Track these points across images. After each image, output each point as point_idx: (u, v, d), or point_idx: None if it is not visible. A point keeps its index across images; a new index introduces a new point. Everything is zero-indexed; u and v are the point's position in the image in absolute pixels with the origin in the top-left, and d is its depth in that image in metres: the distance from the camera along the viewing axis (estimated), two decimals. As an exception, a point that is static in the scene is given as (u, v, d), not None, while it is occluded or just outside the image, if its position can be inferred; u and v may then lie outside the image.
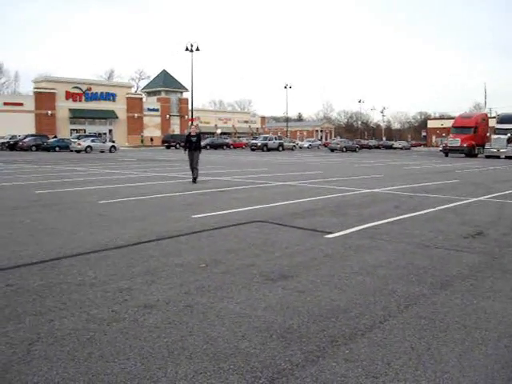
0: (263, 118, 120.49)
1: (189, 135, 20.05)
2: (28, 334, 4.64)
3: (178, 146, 73.42)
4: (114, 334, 4.68)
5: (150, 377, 3.84)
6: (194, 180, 19.38)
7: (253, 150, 67.98)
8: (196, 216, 11.27)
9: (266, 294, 5.81)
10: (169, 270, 6.87)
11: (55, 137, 65.03)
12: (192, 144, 19.57)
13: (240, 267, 6.98)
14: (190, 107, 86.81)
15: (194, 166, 19.51)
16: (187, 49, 67.85)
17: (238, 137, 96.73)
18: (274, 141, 70.28)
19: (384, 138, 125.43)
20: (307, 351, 4.27)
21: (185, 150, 20.06)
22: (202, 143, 74.10)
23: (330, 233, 9.40)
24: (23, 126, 70.98)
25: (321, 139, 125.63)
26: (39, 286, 6.06)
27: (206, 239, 8.87)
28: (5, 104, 74.45)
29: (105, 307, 5.39)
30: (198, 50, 67.99)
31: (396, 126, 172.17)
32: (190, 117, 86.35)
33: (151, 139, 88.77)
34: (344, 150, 72.61)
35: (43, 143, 59.59)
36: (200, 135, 20.19)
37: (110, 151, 56.73)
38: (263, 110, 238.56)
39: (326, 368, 3.98)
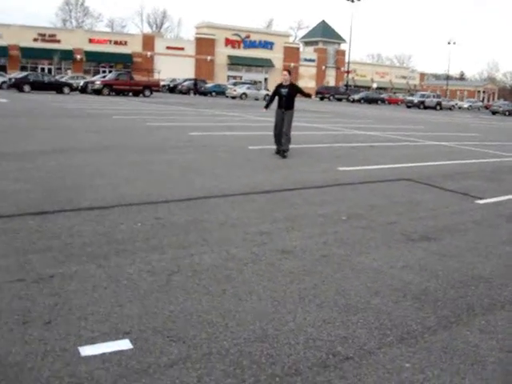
0: (422, 75, 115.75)
1: (279, 86, 12.78)
2: (169, 265, 4.89)
3: (331, 97, 72.88)
4: (250, 274, 4.81)
5: (278, 319, 3.91)
6: (281, 153, 12.57)
7: (408, 107, 65.73)
8: (343, 169, 11.18)
9: (404, 254, 5.66)
10: (310, 218, 6.90)
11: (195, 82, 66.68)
12: (282, 99, 12.59)
13: (382, 224, 6.84)
14: (346, 59, 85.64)
15: (281, 132, 12.54)
16: (348, -1, 66.42)
17: (394, 92, 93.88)
18: (432, 99, 67.37)
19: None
20: (441, 316, 4.12)
21: (267, 107, 13.39)
22: (356, 96, 73.45)
23: (481, 198, 8.91)
24: (183, 69, 73.85)
25: (482, 100, 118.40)
26: (184, 222, 6.36)
27: (351, 192, 8.78)
28: (167, 48, 77.69)
29: (244, 248, 5.54)
30: (358, 0, 66.29)
31: None
32: (346, 69, 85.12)
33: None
34: (506, 113, 68.02)
35: (200, 87, 61.66)
36: (297, 87, 12.95)
37: (264, 99, 57.50)
38: (423, 66, 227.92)
39: (458, 336, 3.82)
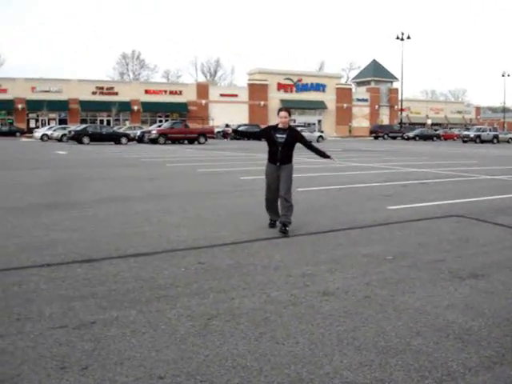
0: (478, 109, 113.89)
1: (273, 128, 8.91)
2: (209, 310, 4.91)
3: (385, 136, 72.45)
4: (289, 317, 4.77)
5: (314, 362, 3.85)
6: (281, 227, 8.44)
7: (464, 141, 64.64)
8: (392, 207, 11.05)
9: (450, 292, 5.51)
10: (354, 259, 6.82)
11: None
12: (277, 148, 8.64)
13: (428, 262, 6.69)
14: (399, 97, 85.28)
15: (278, 197, 8.71)
16: (398, 37, 66.59)
17: (450, 128, 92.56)
18: (488, 132, 66.11)
19: None
20: (484, 356, 3.96)
21: (252, 137, 10.54)
22: (411, 134, 72.81)
23: (536, 232, 8.62)
24: (237, 115, 75.11)
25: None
26: (227, 266, 6.39)
27: (398, 231, 8.65)
28: (221, 95, 79.42)
29: (285, 290, 5.52)
30: (408, 38, 66.53)
31: None
32: (399, 107, 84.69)
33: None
34: None
35: (255, 132, 62.31)
36: (299, 135, 8.86)
37: (318, 141, 57.65)
38: (478, 99, 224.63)
39: (501, 376, 3.66)
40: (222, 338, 4.27)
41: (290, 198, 8.51)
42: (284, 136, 8.52)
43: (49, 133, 55.07)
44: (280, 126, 8.61)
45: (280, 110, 8.65)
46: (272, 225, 8.81)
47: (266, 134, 8.86)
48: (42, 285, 5.61)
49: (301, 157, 28.90)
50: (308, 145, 8.92)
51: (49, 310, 4.85)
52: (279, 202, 8.56)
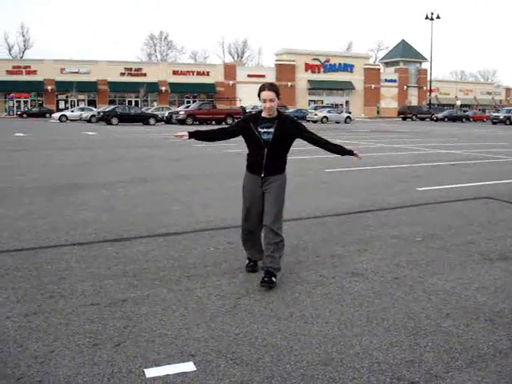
0: (508, 90, 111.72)
1: (252, 118, 5.39)
2: (238, 289, 4.95)
3: (414, 117, 71.61)
4: (318, 297, 4.79)
5: (344, 342, 3.86)
6: (265, 278, 5.06)
7: (494, 123, 63.44)
8: (421, 189, 10.95)
9: (480, 274, 5.47)
10: (383, 240, 6.80)
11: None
12: (261, 149, 5.32)
13: (458, 244, 6.64)
14: (428, 78, 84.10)
15: (261, 227, 5.51)
16: (427, 17, 65.50)
17: (480, 109, 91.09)
18: (519, 113, 64.85)
19: None
20: (515, 338, 3.95)
21: (194, 136, 5.54)
22: (440, 115, 71.95)
23: None
24: (264, 96, 74.69)
25: None
26: (256, 246, 6.41)
27: (428, 212, 8.59)
28: (248, 76, 79.10)
29: (313, 271, 5.53)
30: (438, 17, 65.37)
31: None
32: (428, 88, 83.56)
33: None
34: None
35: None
36: (293, 123, 5.38)
37: (345, 122, 57.33)
38: (508, 80, 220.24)
39: (533, 358, 3.64)
40: (252, 317, 4.31)
41: (281, 230, 5.26)
42: (271, 130, 5.20)
43: (67, 114, 55.58)
44: (264, 114, 5.25)
45: (262, 87, 5.18)
46: (252, 267, 5.59)
47: (242, 129, 5.44)
48: (73, 263, 5.71)
49: (330, 138, 28.76)
50: (316, 139, 5.47)
51: (81, 288, 4.94)
52: (263, 234, 5.38)
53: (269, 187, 5.30)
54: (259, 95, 5.14)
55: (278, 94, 5.13)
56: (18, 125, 43.50)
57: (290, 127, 5.26)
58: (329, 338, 3.93)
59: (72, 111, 57.19)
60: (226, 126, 5.84)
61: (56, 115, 55.44)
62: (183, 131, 5.48)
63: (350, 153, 5.55)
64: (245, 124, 5.35)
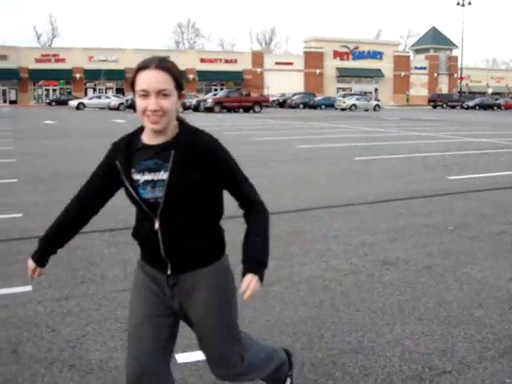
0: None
1: (125, 148, 2.38)
2: (268, 276, 4.85)
3: (444, 105, 70.65)
4: (349, 285, 4.76)
5: (375, 331, 3.84)
6: None
7: (527, 111, 62.48)
8: (452, 177, 10.81)
9: (514, 264, 5.39)
10: (414, 229, 6.73)
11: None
12: (142, 211, 2.33)
13: (490, 234, 6.54)
14: (459, 65, 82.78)
15: (160, 363, 2.30)
16: (458, 3, 64.37)
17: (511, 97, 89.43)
18: (554, 102, 63.62)
19: None
20: (550, 329, 3.87)
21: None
22: (471, 103, 70.84)
23: None
24: (292, 84, 74.42)
25: None
26: (286, 233, 6.40)
27: (460, 201, 8.48)
28: (276, 63, 78.62)
29: (344, 259, 5.50)
30: (469, 3, 64.17)
31: None
32: (459, 75, 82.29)
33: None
34: None
35: (310, 101, 61.70)
36: (207, 141, 2.28)
37: (374, 110, 56.77)
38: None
39: None
40: (283, 303, 4.31)
41: (239, 356, 2.54)
42: (161, 176, 2.25)
43: (85, 101, 55.81)
44: (147, 134, 2.39)
45: (142, 64, 2.23)
46: None
47: (107, 176, 2.47)
48: (104, 249, 5.76)
49: (360, 126, 28.49)
50: (239, 192, 2.46)
51: (111, 274, 4.99)
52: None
53: (194, 304, 2.39)
54: (132, 83, 2.31)
55: (178, 82, 2.25)
56: (47, 113, 43.99)
57: (200, 161, 2.26)
58: (360, 326, 3.91)
59: (90, 99, 57.33)
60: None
61: (73, 102, 55.41)
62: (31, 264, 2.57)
63: (246, 271, 2.29)
64: (110, 161, 2.47)
